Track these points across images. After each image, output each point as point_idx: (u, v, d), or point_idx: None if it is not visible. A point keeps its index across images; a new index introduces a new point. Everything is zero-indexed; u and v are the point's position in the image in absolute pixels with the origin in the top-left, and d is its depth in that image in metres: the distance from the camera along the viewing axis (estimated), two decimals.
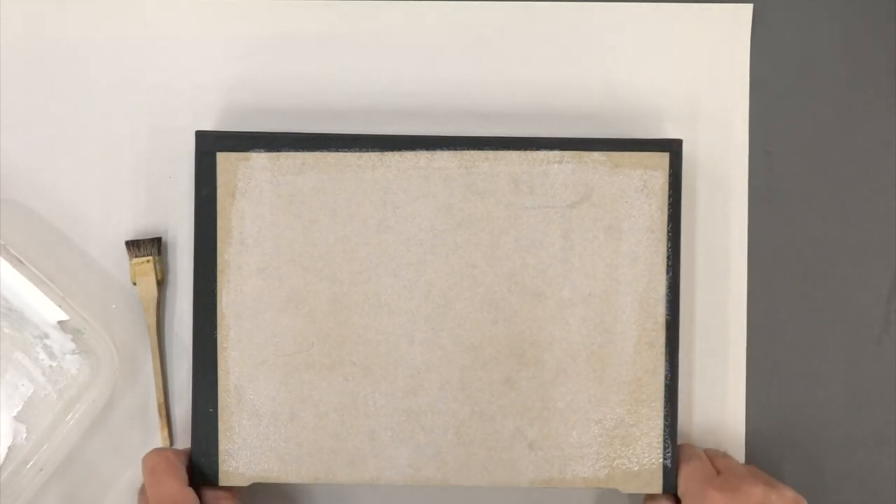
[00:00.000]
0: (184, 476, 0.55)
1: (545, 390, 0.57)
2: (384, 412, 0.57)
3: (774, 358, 0.62)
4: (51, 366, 0.59)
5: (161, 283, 0.60)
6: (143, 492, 0.56)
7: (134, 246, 0.60)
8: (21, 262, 0.57)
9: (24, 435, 0.59)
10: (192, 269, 0.58)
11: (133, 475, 0.60)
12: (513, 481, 0.57)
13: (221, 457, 0.57)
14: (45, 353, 0.59)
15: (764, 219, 0.62)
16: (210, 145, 0.57)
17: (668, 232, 0.57)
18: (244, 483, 0.57)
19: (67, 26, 0.61)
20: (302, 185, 0.57)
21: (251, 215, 0.57)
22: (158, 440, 0.60)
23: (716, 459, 0.57)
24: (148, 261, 0.60)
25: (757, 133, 0.62)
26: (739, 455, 0.61)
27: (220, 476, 0.57)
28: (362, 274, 0.57)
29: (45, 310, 0.57)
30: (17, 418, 0.59)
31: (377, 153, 0.57)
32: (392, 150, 0.57)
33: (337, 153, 0.57)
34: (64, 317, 0.57)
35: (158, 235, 0.60)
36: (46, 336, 0.59)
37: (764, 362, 0.62)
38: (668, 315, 0.57)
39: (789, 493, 0.54)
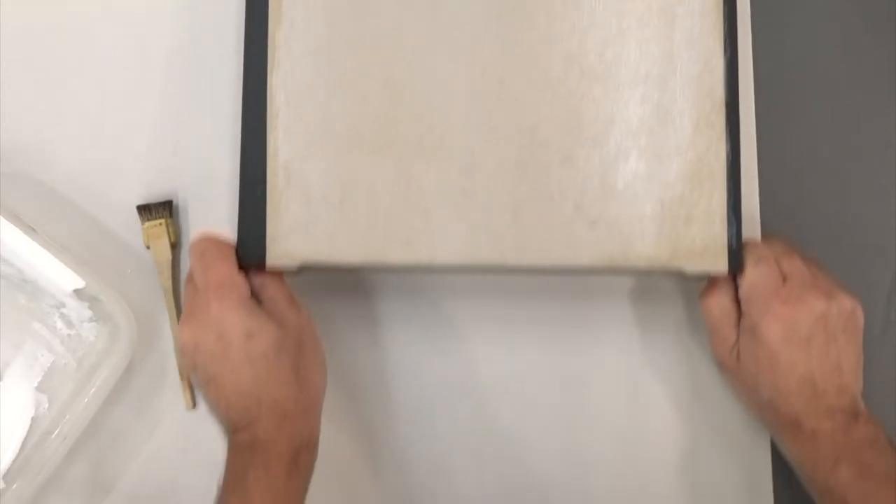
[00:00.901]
0: (234, 260, 0.53)
1: (605, 168, 0.55)
2: (439, 192, 0.55)
3: None
4: (69, 334, 0.58)
5: (175, 246, 0.60)
6: (190, 279, 0.53)
7: (145, 210, 0.59)
8: (34, 230, 0.56)
9: (46, 405, 0.58)
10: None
11: (158, 440, 0.59)
12: (573, 261, 0.55)
13: (269, 238, 0.54)
14: (63, 321, 0.58)
15: (764, 219, 0.62)
16: None
17: (725, 13, 0.56)
18: (293, 265, 0.54)
19: None
20: None
21: None
22: (181, 403, 0.59)
23: (782, 260, 0.55)
24: (160, 224, 0.59)
25: (757, 133, 0.62)
26: None
27: (269, 259, 0.54)
28: (416, 54, 0.56)
29: (60, 279, 0.56)
30: (39, 389, 0.58)
31: None
32: None
33: None
34: (80, 284, 0.56)
35: (169, 199, 0.60)
36: (63, 305, 0.58)
37: None
38: (727, 95, 0.56)
39: (847, 304, 0.54)
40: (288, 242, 0.54)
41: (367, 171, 0.55)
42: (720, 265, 0.55)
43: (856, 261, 0.61)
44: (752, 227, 0.60)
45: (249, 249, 0.54)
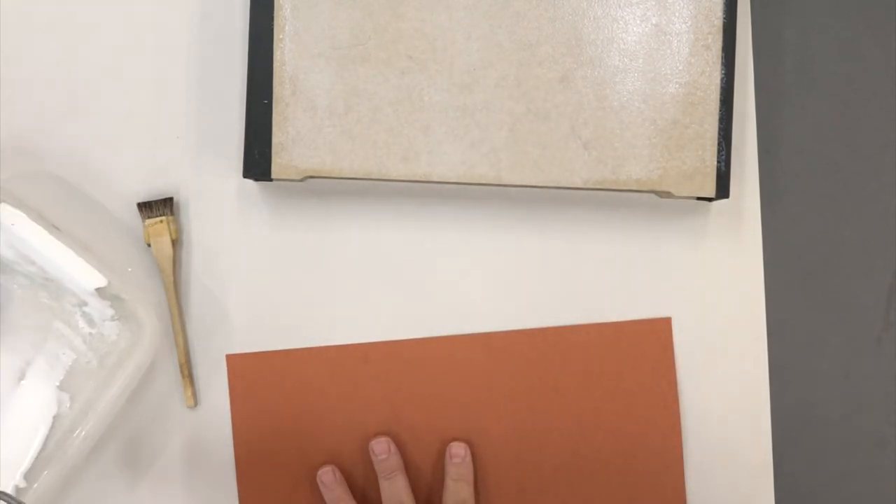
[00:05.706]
0: None
1: (601, 89, 0.56)
2: (439, 108, 0.56)
3: (775, 358, 0.62)
4: (91, 333, 0.58)
5: (175, 243, 0.60)
6: None
7: (146, 207, 0.59)
8: (57, 228, 0.56)
9: (69, 404, 0.58)
10: (205, 229, 0.59)
11: (160, 437, 0.60)
12: (566, 181, 0.57)
13: (275, 149, 0.56)
14: (85, 320, 0.58)
15: (765, 219, 0.62)
16: None
17: None
18: (298, 176, 0.56)
19: None
20: None
21: None
22: (182, 401, 0.60)
23: None
24: (161, 221, 0.59)
25: (757, 132, 0.62)
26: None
27: (274, 168, 0.56)
28: None
29: (82, 277, 0.56)
30: (61, 387, 0.58)
31: None
32: None
33: None
34: (102, 283, 0.56)
35: (170, 195, 0.60)
36: (85, 304, 0.58)
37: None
38: (725, 18, 0.57)
39: None
40: (293, 153, 0.56)
41: (370, 83, 0.56)
42: (708, 190, 0.57)
43: (856, 261, 0.63)
44: (752, 227, 0.62)
45: (256, 160, 0.56)
